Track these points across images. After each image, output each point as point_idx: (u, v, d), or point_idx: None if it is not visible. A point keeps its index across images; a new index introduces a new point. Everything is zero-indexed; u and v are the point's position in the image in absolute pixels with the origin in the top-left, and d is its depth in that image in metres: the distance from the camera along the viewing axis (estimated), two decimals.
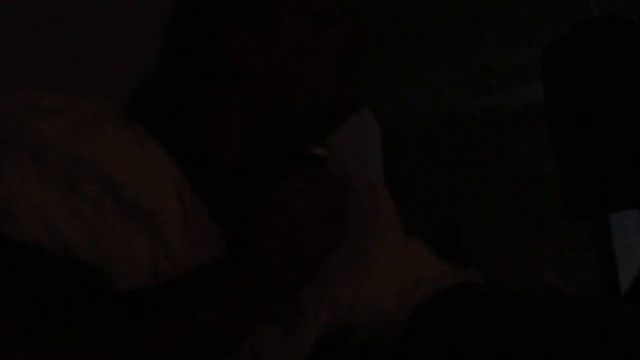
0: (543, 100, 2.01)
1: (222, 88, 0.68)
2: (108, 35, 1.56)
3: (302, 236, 0.56)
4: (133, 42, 1.55)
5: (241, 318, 0.55)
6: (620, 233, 3.86)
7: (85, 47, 1.47)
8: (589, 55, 1.85)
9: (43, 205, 0.55)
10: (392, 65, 3.67)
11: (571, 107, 1.91)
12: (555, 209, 2.33)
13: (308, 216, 0.57)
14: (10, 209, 0.54)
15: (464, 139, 4.66)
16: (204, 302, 0.54)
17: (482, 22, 3.22)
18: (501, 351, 0.73)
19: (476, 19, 3.17)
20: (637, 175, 1.80)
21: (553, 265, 3.95)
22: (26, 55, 1.33)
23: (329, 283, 0.72)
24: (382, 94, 4.03)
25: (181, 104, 0.70)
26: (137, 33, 1.56)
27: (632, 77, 1.80)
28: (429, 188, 4.66)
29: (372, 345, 0.79)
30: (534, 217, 4.21)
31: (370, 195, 0.83)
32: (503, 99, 4.27)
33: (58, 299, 0.54)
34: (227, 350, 0.57)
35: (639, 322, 0.69)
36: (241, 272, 0.56)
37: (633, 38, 1.83)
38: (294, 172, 0.60)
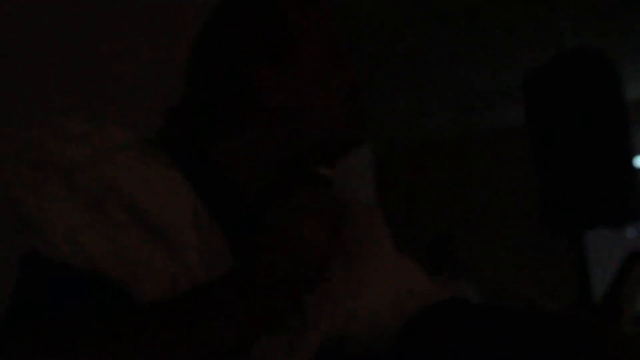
0: (525, 121, 2.10)
1: (244, 117, 0.74)
2: (129, 68, 1.61)
3: (303, 251, 0.61)
4: (152, 72, 1.60)
5: (245, 328, 0.60)
6: (594, 250, 3.95)
7: (109, 79, 1.53)
8: (567, 82, 1.94)
9: (73, 226, 0.61)
10: (380, 88, 3.73)
11: (551, 130, 2.00)
12: (535, 225, 2.41)
13: (309, 230, 0.61)
14: (44, 229, 0.61)
15: (450, 158, 4.73)
16: (211, 314, 0.59)
17: (467, 45, 3.30)
18: None
19: (461, 42, 3.25)
20: (609, 196, 1.89)
21: (532, 278, 4.03)
22: (56, 86, 1.39)
23: (330, 297, 0.77)
24: (372, 114, 4.09)
25: (202, 130, 0.75)
26: (157, 63, 1.62)
27: (604, 101, 1.90)
28: (418, 205, 4.70)
29: (365, 356, 0.83)
30: (515, 233, 4.30)
31: (366, 217, 0.88)
32: (487, 119, 4.35)
33: (86, 310, 0.59)
34: (233, 358, 0.61)
35: (616, 334, 0.73)
36: (244, 285, 0.60)
37: (604, 67, 1.93)
38: (299, 190, 0.65)
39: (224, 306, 0.59)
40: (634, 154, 2.03)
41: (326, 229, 0.62)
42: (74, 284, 0.61)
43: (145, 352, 0.57)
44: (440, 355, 0.80)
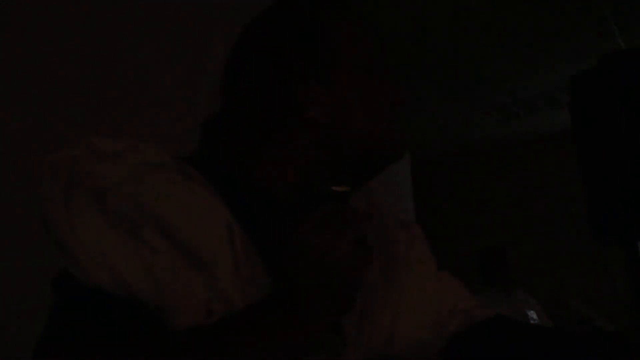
0: (570, 125, 2.03)
1: (286, 133, 0.73)
2: (161, 85, 1.64)
3: (332, 264, 0.59)
4: (184, 87, 1.63)
5: (286, 351, 0.59)
6: None
7: (143, 96, 1.56)
8: (615, 85, 1.87)
9: (107, 250, 0.60)
10: (421, 94, 3.70)
11: (598, 135, 1.93)
12: (585, 235, 2.32)
13: (334, 245, 0.60)
14: (78, 255, 0.60)
15: (492, 164, 4.66)
16: (252, 339, 0.58)
17: (508, 51, 3.24)
18: None
19: (503, 46, 3.20)
20: None
21: (586, 291, 3.90)
22: (89, 105, 1.43)
23: (369, 316, 0.76)
24: (412, 121, 4.06)
25: (240, 146, 0.74)
26: (189, 78, 1.64)
27: None
28: (460, 216, 4.64)
29: None
30: (563, 242, 4.18)
31: (404, 232, 0.87)
32: (532, 125, 4.26)
33: (119, 335, 0.58)
34: None
35: None
36: (282, 308, 0.60)
37: None
38: (318, 208, 0.64)
39: (261, 334, 0.58)
40: None
41: (350, 241, 0.60)
42: (106, 308, 0.60)
43: None
44: None
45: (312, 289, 0.59)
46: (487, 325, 0.80)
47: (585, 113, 1.94)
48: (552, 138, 4.21)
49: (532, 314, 3.20)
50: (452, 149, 4.69)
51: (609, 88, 1.84)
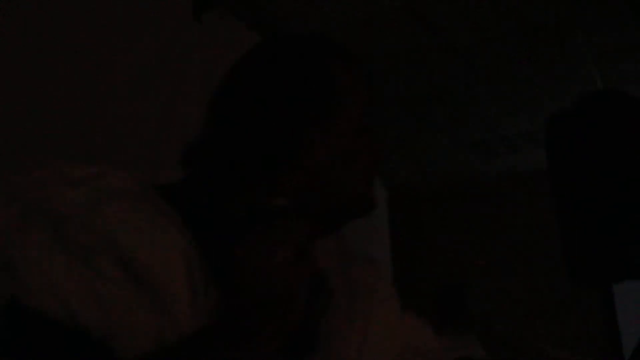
0: (547, 167, 2.04)
1: (273, 172, 0.73)
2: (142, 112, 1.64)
3: (266, 278, 0.59)
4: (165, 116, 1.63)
5: None
6: (623, 303, 3.81)
7: (121, 123, 1.56)
8: (592, 127, 1.88)
9: (55, 276, 0.58)
10: (402, 128, 3.72)
11: (573, 176, 1.93)
12: (560, 275, 2.32)
13: (267, 259, 0.60)
14: (25, 277, 0.58)
15: (471, 201, 4.67)
16: None
17: (489, 89, 3.28)
18: None
19: (484, 85, 3.23)
20: (638, 247, 1.80)
21: (556, 332, 3.89)
22: (77, 128, 1.42)
23: (331, 354, 0.75)
24: (391, 157, 4.08)
25: (222, 178, 0.74)
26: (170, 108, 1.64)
27: (630, 146, 1.83)
28: (435, 249, 4.64)
29: None
30: (538, 282, 4.17)
31: (370, 268, 0.88)
32: (511, 163, 4.29)
33: None
34: None
35: None
36: (225, 329, 0.60)
37: (630, 110, 1.86)
38: (255, 226, 0.64)
39: (208, 357, 0.58)
40: None
41: (285, 255, 0.60)
42: (51, 335, 0.58)
43: None
44: None
45: (249, 305, 0.59)
46: None
47: (560, 153, 1.95)
48: (532, 176, 4.24)
49: None
50: (431, 184, 4.70)
51: (585, 128, 1.85)
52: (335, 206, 0.76)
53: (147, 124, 1.70)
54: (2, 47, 1.37)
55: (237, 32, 2.22)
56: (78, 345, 0.58)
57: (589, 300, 3.94)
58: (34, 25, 1.49)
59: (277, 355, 0.61)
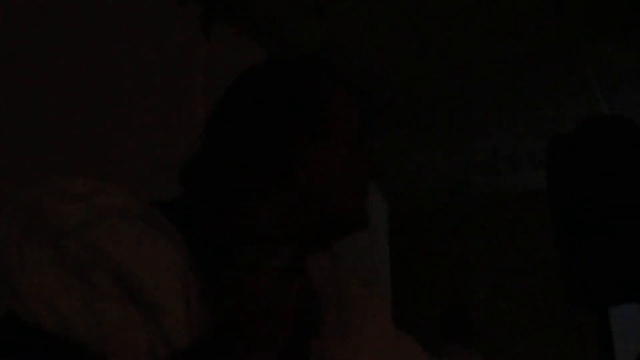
0: (547, 189, 2.04)
1: (268, 187, 0.74)
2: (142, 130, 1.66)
3: (255, 295, 0.61)
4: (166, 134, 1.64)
5: None
6: (619, 324, 3.80)
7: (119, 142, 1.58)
8: (592, 150, 1.89)
9: (51, 290, 0.60)
10: (404, 146, 3.74)
11: (573, 198, 1.94)
12: (558, 296, 2.32)
13: (256, 276, 0.62)
14: (22, 290, 0.60)
15: (472, 220, 4.67)
16: None
17: (493, 108, 3.29)
18: None
19: (488, 104, 3.25)
20: (636, 269, 1.81)
21: (553, 352, 3.88)
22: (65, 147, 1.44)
23: (325, 357, 0.76)
24: (394, 174, 4.09)
25: (219, 194, 0.74)
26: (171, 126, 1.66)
27: (630, 170, 1.84)
28: (436, 268, 4.63)
29: None
30: (537, 302, 4.17)
31: (363, 284, 0.88)
32: (512, 182, 4.30)
33: None
34: None
35: None
36: (217, 344, 0.61)
37: (631, 135, 1.88)
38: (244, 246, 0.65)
39: None
40: None
41: (273, 271, 0.62)
42: (46, 348, 0.59)
43: None
44: None
45: (241, 321, 0.61)
46: None
47: (560, 175, 1.95)
48: (533, 196, 4.24)
49: None
50: (434, 203, 4.71)
51: (585, 151, 1.86)
52: (329, 221, 0.76)
53: (152, 138, 1.71)
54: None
55: (245, 47, 2.24)
56: (70, 355, 0.59)
57: (586, 322, 3.93)
58: (37, 39, 1.51)
59: None
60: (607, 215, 1.79)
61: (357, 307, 0.84)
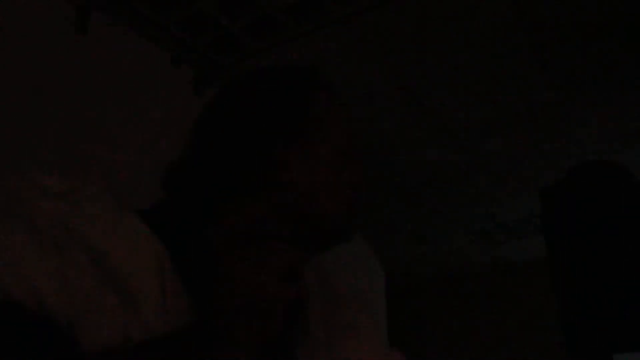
0: (544, 241, 2.02)
1: (252, 190, 0.74)
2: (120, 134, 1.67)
3: (251, 291, 0.58)
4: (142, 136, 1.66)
5: None
6: None
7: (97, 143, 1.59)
8: (584, 197, 1.89)
9: (23, 261, 0.59)
10: (400, 214, 3.73)
11: (571, 250, 1.92)
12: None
13: (255, 274, 0.59)
14: None
15: (470, 290, 4.62)
16: None
17: (489, 174, 3.31)
18: None
19: (482, 170, 3.27)
20: (638, 318, 1.76)
21: None
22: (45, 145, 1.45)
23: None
24: (390, 242, 4.07)
25: (201, 197, 0.74)
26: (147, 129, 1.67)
27: (626, 218, 1.83)
28: (435, 338, 4.54)
29: None
30: None
31: (353, 301, 0.87)
32: (510, 251, 4.27)
33: (24, 350, 0.55)
34: None
35: None
36: (201, 334, 0.59)
37: (624, 181, 1.88)
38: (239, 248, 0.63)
39: (178, 357, 0.57)
40: None
41: (272, 272, 0.60)
42: (16, 318, 0.57)
43: None
44: None
45: (230, 314, 0.58)
46: None
47: (556, 225, 1.95)
48: (531, 265, 4.22)
49: None
50: (431, 272, 4.65)
51: (578, 200, 1.86)
52: (311, 226, 0.75)
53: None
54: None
55: None
56: (41, 328, 0.57)
57: None
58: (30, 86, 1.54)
59: None
60: (606, 263, 1.76)
61: (347, 324, 0.82)
